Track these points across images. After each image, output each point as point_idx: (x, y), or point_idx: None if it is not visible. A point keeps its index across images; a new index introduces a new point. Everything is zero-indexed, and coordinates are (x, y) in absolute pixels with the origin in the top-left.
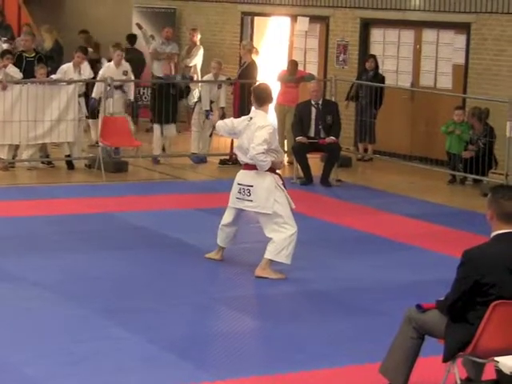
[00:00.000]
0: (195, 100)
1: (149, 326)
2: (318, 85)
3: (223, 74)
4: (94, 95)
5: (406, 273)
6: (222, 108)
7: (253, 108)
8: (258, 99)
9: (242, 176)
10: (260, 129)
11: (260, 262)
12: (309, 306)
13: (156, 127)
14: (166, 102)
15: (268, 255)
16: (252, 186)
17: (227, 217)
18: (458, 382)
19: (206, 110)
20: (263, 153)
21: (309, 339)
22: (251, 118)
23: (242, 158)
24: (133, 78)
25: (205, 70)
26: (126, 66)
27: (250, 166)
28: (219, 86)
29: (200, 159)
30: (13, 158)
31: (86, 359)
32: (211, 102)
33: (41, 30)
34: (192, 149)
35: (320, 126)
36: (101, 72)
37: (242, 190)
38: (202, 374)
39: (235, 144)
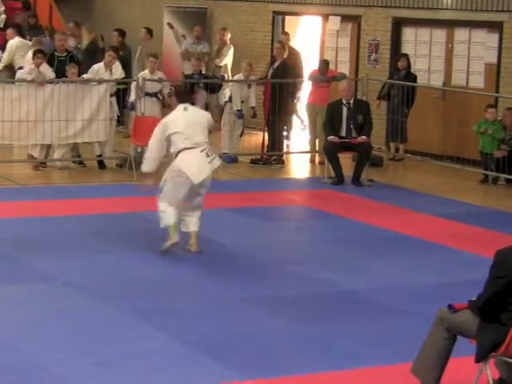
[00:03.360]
0: (225, 99)
1: (180, 327)
2: (349, 84)
3: (254, 75)
4: (131, 99)
5: (438, 273)
6: (253, 107)
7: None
8: None
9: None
10: None
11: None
12: (340, 306)
13: None
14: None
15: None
16: None
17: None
18: (491, 382)
19: (238, 110)
20: None
21: (340, 340)
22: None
23: None
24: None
25: (235, 69)
26: (160, 73)
27: None
28: (249, 86)
29: (231, 159)
30: (45, 158)
31: (117, 360)
32: (241, 102)
33: (82, 29)
34: (223, 148)
35: (351, 126)
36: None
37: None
38: (234, 374)
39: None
